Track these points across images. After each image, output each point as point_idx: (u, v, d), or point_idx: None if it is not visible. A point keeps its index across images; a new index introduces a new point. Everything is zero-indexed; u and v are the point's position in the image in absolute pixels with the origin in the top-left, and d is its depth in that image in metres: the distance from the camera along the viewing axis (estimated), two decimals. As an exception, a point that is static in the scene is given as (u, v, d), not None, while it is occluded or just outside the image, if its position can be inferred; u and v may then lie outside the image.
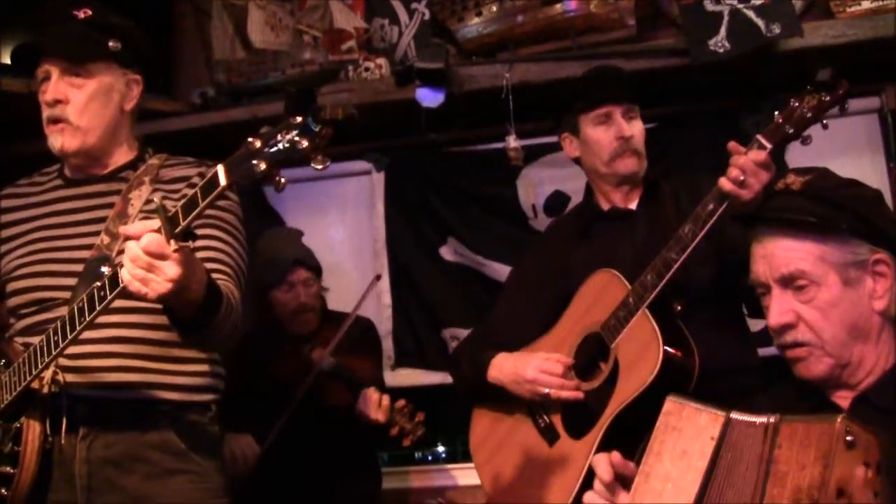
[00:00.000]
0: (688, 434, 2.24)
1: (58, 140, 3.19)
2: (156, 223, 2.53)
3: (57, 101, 3.17)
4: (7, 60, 5.26)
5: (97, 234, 3.14)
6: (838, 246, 2.34)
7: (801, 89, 3.31)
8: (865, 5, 4.96)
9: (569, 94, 4.02)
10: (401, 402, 4.71)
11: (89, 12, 3.22)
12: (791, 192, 2.41)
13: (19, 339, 3.16)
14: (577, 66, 5.22)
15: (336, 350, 4.78)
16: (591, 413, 3.54)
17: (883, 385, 2.34)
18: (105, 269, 2.66)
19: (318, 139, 2.35)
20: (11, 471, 2.95)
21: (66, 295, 3.08)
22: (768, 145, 3.28)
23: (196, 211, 2.45)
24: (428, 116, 5.33)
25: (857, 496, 1.93)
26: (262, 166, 2.34)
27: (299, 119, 2.34)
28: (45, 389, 3.00)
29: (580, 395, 3.60)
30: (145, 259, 2.51)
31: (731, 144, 3.32)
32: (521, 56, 5.38)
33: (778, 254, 2.38)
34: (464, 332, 5.77)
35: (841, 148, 5.17)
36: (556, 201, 5.76)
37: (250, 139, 2.38)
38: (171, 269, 2.53)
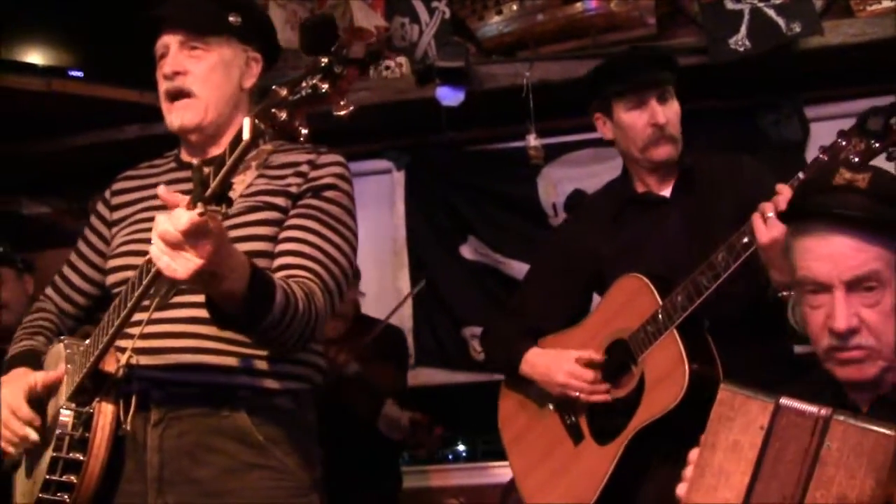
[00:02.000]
0: (739, 424, 2.15)
1: (177, 118, 3.01)
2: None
3: (176, 73, 3.00)
4: (27, 59, 5.32)
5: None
6: None
7: (849, 130, 3.20)
8: (886, 4, 4.95)
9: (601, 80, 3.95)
10: (418, 417, 4.69)
11: None
12: (856, 190, 2.29)
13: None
14: (598, 64, 5.23)
15: (361, 356, 4.76)
16: (616, 421, 3.53)
17: None
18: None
19: (339, 80, 2.18)
20: (81, 458, 2.75)
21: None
22: None
23: (224, 170, 2.26)
24: (448, 115, 5.33)
25: None
26: (283, 115, 2.20)
27: (324, 60, 2.18)
28: (120, 373, 2.78)
29: (608, 398, 3.58)
30: (173, 234, 2.27)
31: (779, 185, 3.12)
32: (542, 55, 5.39)
33: (849, 254, 2.26)
34: (484, 331, 5.80)
35: (861, 147, 5.16)
36: (576, 200, 5.76)
37: (275, 87, 2.22)
38: (204, 246, 2.30)
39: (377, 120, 5.73)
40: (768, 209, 3.05)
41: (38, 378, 2.86)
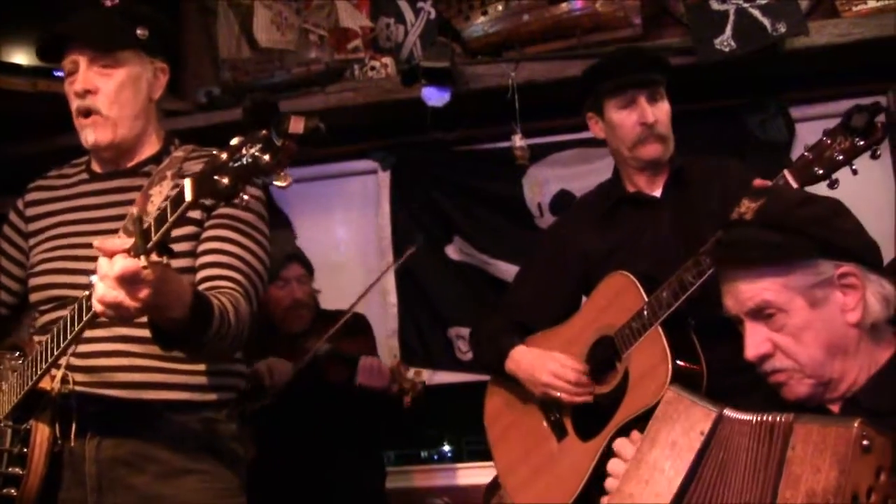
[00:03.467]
0: (681, 426, 2.28)
1: (90, 134, 3.14)
2: (129, 241, 2.42)
3: (87, 92, 3.12)
4: (12, 59, 5.30)
5: (116, 231, 3.04)
6: (799, 270, 2.32)
7: (836, 130, 3.22)
8: (871, 4, 4.96)
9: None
10: (395, 362, 4.73)
11: (117, 0, 3.19)
12: (744, 223, 2.38)
13: (37, 337, 3.10)
14: (583, 65, 5.18)
15: (330, 339, 4.78)
16: (599, 416, 3.61)
17: (872, 388, 2.34)
18: (94, 278, 2.48)
19: (280, 154, 2.18)
20: (20, 472, 2.89)
21: (83, 293, 2.83)
22: (795, 185, 3.25)
23: (166, 225, 2.33)
24: (434, 115, 5.33)
25: (871, 500, 1.93)
26: (225, 181, 2.23)
27: (263, 132, 2.20)
28: (55, 390, 2.94)
29: (590, 399, 3.67)
30: (114, 282, 2.38)
31: (757, 181, 3.25)
32: (527, 55, 5.38)
33: (741, 288, 2.37)
34: (469, 332, 5.79)
35: (847, 147, 5.17)
36: (562, 200, 5.75)
37: (216, 151, 2.26)
38: (142, 292, 2.41)
39: (362, 120, 5.73)
40: None
41: None
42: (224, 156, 2.23)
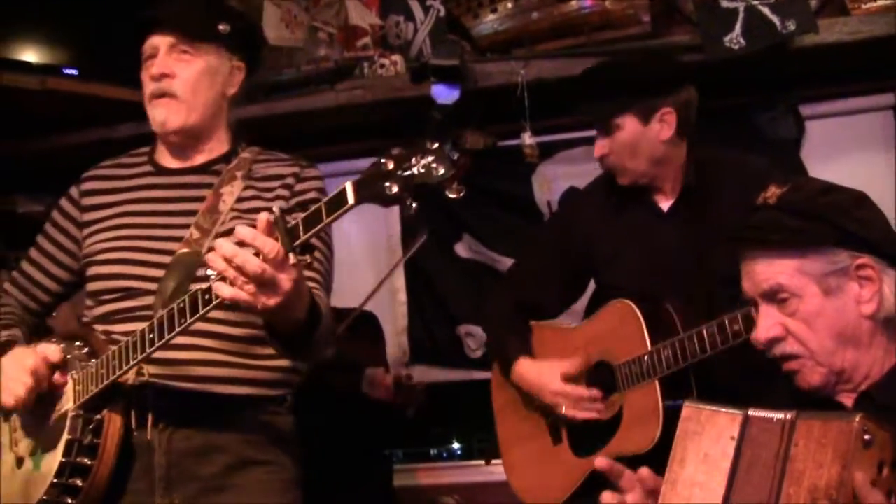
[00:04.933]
0: (709, 436, 2.25)
1: (161, 113, 3.20)
2: (261, 231, 2.52)
3: (164, 76, 3.18)
4: (21, 57, 5.31)
5: (186, 227, 3.13)
6: (816, 256, 2.34)
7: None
8: (881, 2, 4.94)
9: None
10: (398, 374, 4.74)
11: None
12: (767, 207, 2.42)
13: (99, 327, 3.16)
14: (593, 62, 5.22)
15: (338, 341, 4.79)
16: (592, 437, 3.77)
17: (886, 383, 2.34)
18: (211, 273, 2.60)
19: (456, 167, 2.34)
20: (89, 462, 2.93)
21: (152, 286, 3.08)
22: None
23: (319, 226, 2.46)
24: (443, 113, 5.33)
25: (874, 496, 1.93)
26: (395, 189, 2.34)
27: (436, 145, 2.33)
28: (130, 382, 2.99)
29: (593, 416, 3.77)
30: (260, 268, 2.50)
31: None
32: (537, 53, 5.38)
33: (758, 270, 2.40)
34: (479, 329, 5.79)
35: (855, 145, 5.18)
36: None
37: (382, 160, 2.38)
38: (286, 284, 2.54)
39: (372, 118, 5.73)
40: None
41: (44, 354, 3.05)
42: (391, 164, 2.35)
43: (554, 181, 5.79)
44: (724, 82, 5.39)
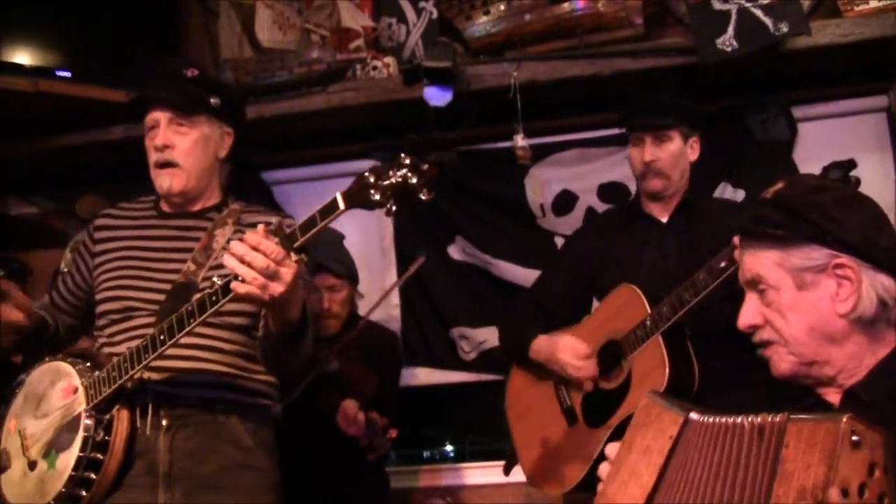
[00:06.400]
0: (653, 430, 2.41)
1: (166, 181, 3.65)
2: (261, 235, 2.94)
3: (166, 146, 3.63)
4: (13, 59, 5.31)
5: (183, 261, 3.60)
6: (796, 252, 2.41)
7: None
8: (873, 4, 4.95)
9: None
10: (375, 415, 4.71)
11: (196, 72, 3.72)
12: (764, 202, 2.52)
13: (108, 349, 3.58)
14: (585, 64, 5.24)
15: (346, 355, 4.77)
16: (605, 408, 4.18)
17: (870, 381, 2.38)
18: (216, 279, 3.06)
19: (425, 176, 2.77)
20: (101, 457, 3.32)
21: (152, 307, 3.52)
22: None
23: (315, 229, 2.89)
24: (435, 115, 5.32)
25: (864, 498, 1.93)
26: (377, 196, 2.79)
27: (408, 160, 2.77)
28: (131, 384, 3.39)
29: (596, 373, 4.22)
30: (266, 263, 2.90)
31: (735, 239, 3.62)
32: (529, 55, 5.38)
33: (745, 259, 2.54)
34: (472, 332, 5.80)
35: (849, 146, 5.17)
36: (564, 200, 5.76)
37: (365, 173, 2.82)
38: (287, 276, 2.94)
39: (364, 120, 5.73)
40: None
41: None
42: (372, 177, 2.80)
43: (546, 183, 5.78)
44: (716, 84, 5.40)
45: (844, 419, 1.99)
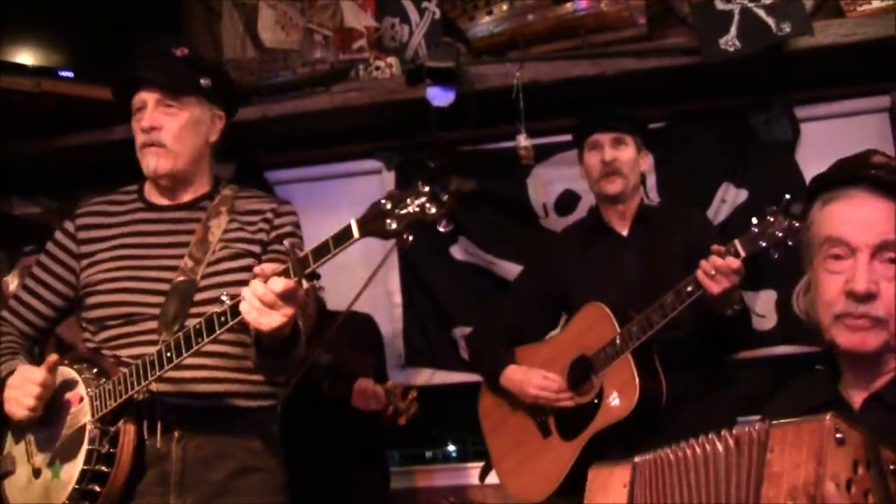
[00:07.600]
0: (610, 489, 2.44)
1: (152, 161, 3.52)
2: (281, 266, 2.92)
3: (153, 128, 3.51)
4: (16, 59, 5.31)
5: (180, 257, 3.49)
6: None
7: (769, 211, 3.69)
8: (876, 4, 4.95)
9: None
10: (389, 384, 4.78)
11: (186, 51, 3.61)
12: (893, 169, 2.34)
13: (107, 352, 3.46)
14: (588, 64, 5.24)
15: (333, 346, 4.80)
16: (578, 422, 4.29)
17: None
18: (225, 299, 3.01)
19: (445, 206, 2.70)
20: (106, 470, 3.23)
21: (153, 311, 3.41)
22: (742, 254, 3.79)
23: (327, 257, 2.84)
24: (438, 115, 5.32)
25: (851, 492, 1.93)
26: (394, 225, 2.72)
27: (427, 188, 2.69)
28: (139, 397, 3.29)
29: (572, 403, 4.34)
30: (273, 297, 2.89)
31: (714, 247, 3.86)
32: (532, 55, 5.39)
33: (881, 218, 2.28)
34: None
35: (850, 147, 5.13)
36: (567, 200, 5.77)
37: (382, 200, 2.76)
38: (289, 309, 2.93)
39: (367, 120, 5.74)
40: (709, 268, 3.80)
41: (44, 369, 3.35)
42: (388, 204, 2.74)
43: (549, 183, 5.78)
44: (719, 84, 5.40)
45: (828, 417, 1.98)
